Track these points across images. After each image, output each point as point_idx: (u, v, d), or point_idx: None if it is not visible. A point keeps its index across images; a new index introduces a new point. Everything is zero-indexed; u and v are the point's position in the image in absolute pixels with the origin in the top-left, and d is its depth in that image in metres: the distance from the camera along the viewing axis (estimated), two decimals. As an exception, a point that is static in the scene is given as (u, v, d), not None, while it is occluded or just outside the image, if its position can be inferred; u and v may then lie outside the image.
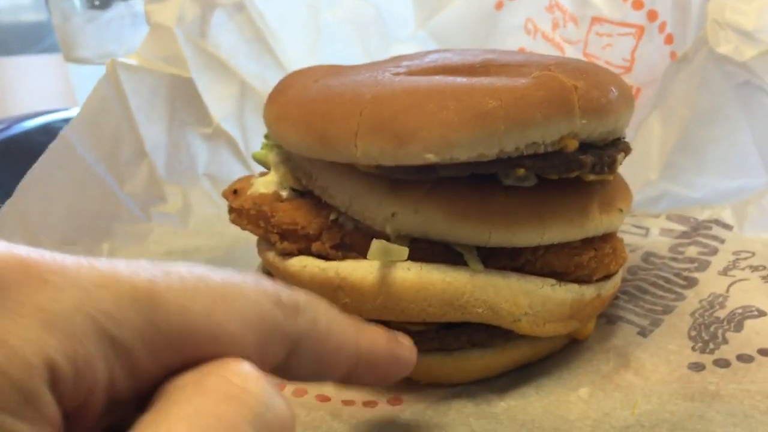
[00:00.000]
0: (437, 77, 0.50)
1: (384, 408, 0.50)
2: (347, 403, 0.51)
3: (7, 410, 0.22)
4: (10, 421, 0.22)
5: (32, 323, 0.23)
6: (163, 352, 0.26)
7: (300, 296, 0.33)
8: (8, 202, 0.60)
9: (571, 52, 0.79)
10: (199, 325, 0.27)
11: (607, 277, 0.55)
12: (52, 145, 0.62)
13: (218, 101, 0.73)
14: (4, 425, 0.22)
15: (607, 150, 0.52)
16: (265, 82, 0.78)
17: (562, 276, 0.51)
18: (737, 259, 0.64)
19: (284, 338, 0.31)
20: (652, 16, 0.73)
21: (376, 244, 0.49)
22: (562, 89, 0.48)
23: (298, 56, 0.81)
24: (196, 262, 0.65)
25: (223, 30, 0.75)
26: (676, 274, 0.63)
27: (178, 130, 0.71)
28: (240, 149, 0.78)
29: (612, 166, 0.52)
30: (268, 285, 0.31)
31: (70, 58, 1.04)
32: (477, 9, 0.88)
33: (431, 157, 0.45)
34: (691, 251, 0.66)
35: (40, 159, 0.61)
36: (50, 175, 0.61)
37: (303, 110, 0.51)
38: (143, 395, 0.27)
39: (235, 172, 0.77)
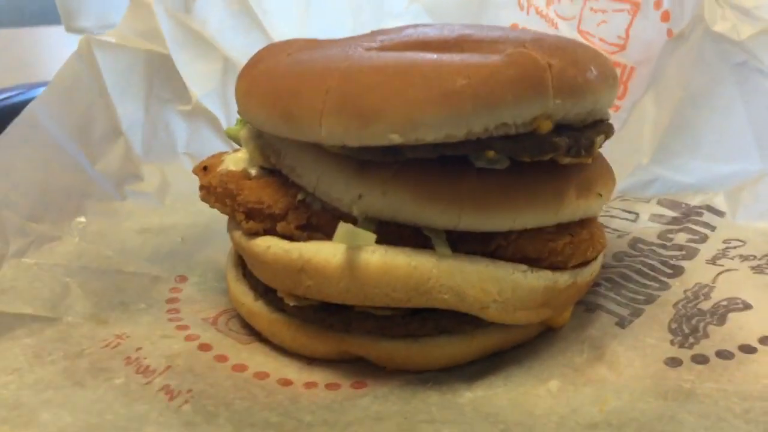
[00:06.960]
0: (408, 53, 0.49)
1: (346, 391, 0.49)
2: (309, 385, 0.50)
3: None
4: None
5: None
6: None
7: None
8: None
9: (565, 29, 0.76)
10: None
11: (584, 263, 0.53)
12: (15, 121, 0.60)
13: (199, 77, 0.72)
14: None
15: (585, 132, 0.50)
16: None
17: (535, 262, 0.50)
18: (727, 247, 0.62)
19: None
20: None
21: (342, 228, 0.47)
22: (535, 67, 0.46)
23: (286, 31, 0.78)
24: (172, 238, 0.66)
25: (209, 3, 0.73)
26: (663, 262, 0.61)
27: (156, 107, 0.69)
28: (221, 127, 0.76)
29: (589, 148, 0.50)
30: None
31: (71, 28, 1.03)
32: (471, -17, 0.85)
33: (396, 138, 0.44)
34: (681, 238, 0.64)
35: (3, 134, 0.59)
36: (14, 150, 0.60)
37: (270, 86, 0.50)
38: None
39: (216, 149, 0.74)
